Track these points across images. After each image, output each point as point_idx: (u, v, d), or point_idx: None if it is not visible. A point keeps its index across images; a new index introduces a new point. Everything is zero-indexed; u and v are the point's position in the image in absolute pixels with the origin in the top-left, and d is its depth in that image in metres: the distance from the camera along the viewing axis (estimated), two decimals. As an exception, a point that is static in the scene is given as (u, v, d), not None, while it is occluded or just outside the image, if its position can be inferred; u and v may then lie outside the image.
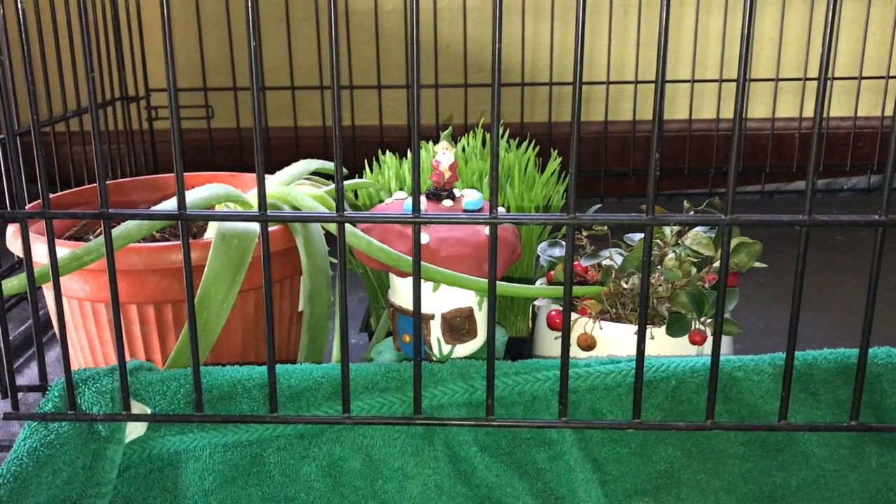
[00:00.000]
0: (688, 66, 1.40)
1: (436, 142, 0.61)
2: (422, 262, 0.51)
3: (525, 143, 0.81)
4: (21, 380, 0.82)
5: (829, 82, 1.38)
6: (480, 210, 0.59)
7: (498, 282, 0.58)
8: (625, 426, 0.53)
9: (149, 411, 0.54)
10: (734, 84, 1.24)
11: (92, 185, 0.78)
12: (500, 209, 0.70)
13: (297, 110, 1.41)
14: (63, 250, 0.56)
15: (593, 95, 1.44)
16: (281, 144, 1.41)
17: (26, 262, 0.50)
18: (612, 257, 0.67)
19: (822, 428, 0.53)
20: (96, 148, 0.47)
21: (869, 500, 0.54)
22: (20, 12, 0.47)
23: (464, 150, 0.80)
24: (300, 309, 0.71)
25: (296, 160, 0.75)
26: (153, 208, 0.59)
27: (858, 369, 0.50)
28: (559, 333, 0.66)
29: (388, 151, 0.82)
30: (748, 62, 0.43)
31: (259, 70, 0.45)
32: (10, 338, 0.90)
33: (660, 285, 0.65)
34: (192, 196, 0.62)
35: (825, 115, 1.41)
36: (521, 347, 0.74)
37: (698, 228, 0.66)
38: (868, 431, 0.54)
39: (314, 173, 0.77)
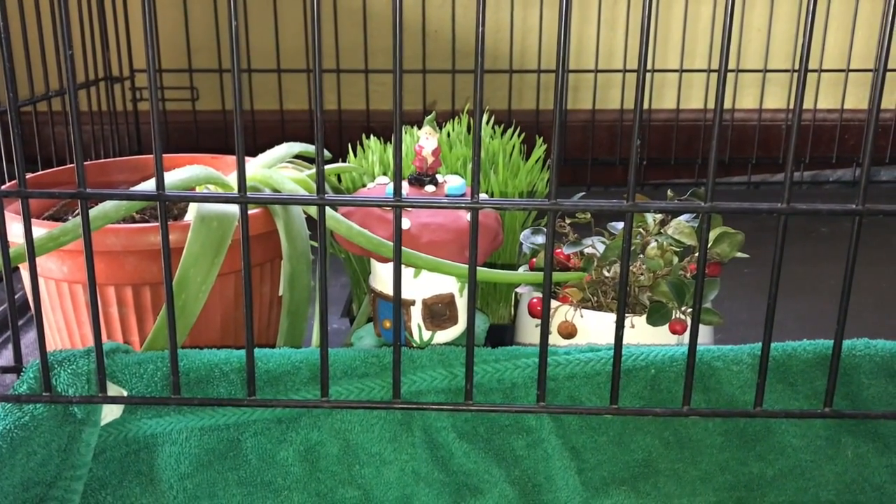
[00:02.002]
0: (676, 55, 1.40)
1: (422, 127, 0.61)
2: (403, 248, 0.51)
3: (511, 130, 0.81)
4: (-2, 361, 0.81)
5: (816, 74, 1.38)
6: (463, 196, 0.58)
7: (479, 268, 0.58)
8: (602, 411, 0.53)
9: (125, 394, 0.54)
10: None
11: (72, 165, 0.77)
12: (483, 195, 0.70)
13: (283, 93, 1.40)
14: (39, 230, 0.56)
15: (581, 84, 1.43)
16: (267, 127, 1.40)
17: (2, 242, 0.50)
18: (595, 245, 0.67)
19: (796, 414, 0.53)
20: (74, 127, 0.46)
21: (844, 490, 0.54)
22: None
23: (448, 135, 0.80)
24: (280, 293, 0.70)
25: (281, 143, 0.75)
26: (132, 189, 0.59)
27: (833, 356, 0.50)
28: (540, 321, 0.66)
29: (373, 136, 0.81)
30: (729, 47, 0.43)
31: (239, 50, 0.44)
32: (-12, 318, 0.89)
33: (641, 274, 0.65)
34: (171, 177, 0.61)
35: (812, 106, 1.41)
36: (502, 335, 0.74)
37: (681, 217, 0.66)
38: (841, 418, 0.54)
39: (298, 157, 0.76)
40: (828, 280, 1.04)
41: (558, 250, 0.67)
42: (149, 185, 0.62)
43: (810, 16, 0.42)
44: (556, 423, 0.55)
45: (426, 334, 0.60)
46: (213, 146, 1.40)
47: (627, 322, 0.62)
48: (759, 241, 0.70)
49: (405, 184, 0.60)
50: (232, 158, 0.79)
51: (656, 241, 0.65)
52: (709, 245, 0.64)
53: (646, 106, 1.43)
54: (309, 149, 0.76)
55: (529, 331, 0.69)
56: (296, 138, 0.80)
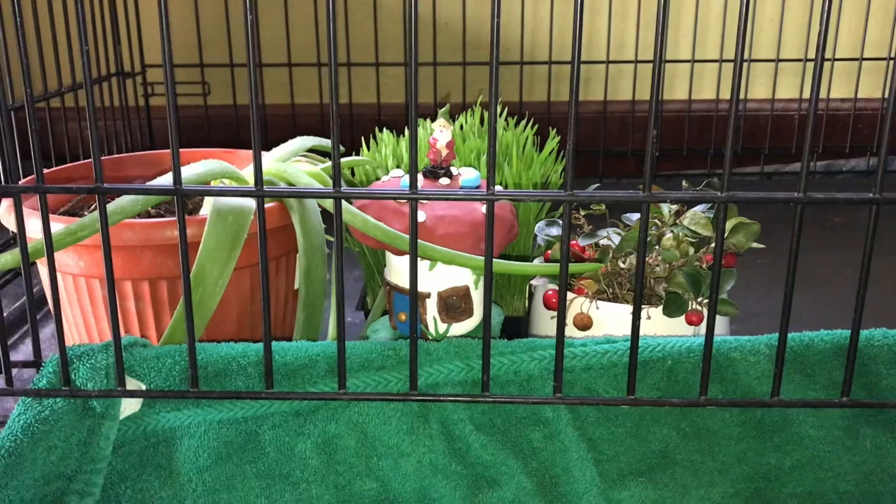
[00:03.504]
0: (688, 46, 1.40)
1: (433, 120, 0.61)
2: (418, 240, 0.51)
3: (524, 122, 0.80)
4: (15, 356, 0.82)
5: (829, 63, 1.37)
6: (477, 188, 0.58)
7: (494, 260, 0.58)
8: (619, 402, 0.53)
9: (143, 387, 0.54)
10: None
11: (87, 161, 0.78)
12: (498, 187, 0.70)
13: (294, 87, 1.40)
14: (57, 225, 0.56)
15: (592, 75, 1.43)
16: (278, 122, 1.40)
17: (20, 238, 0.50)
18: (610, 237, 0.66)
19: (814, 404, 0.53)
20: (91, 122, 0.46)
21: (863, 481, 0.54)
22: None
23: (461, 128, 0.79)
24: (296, 286, 0.70)
25: (293, 137, 0.75)
26: (148, 184, 0.59)
27: (850, 345, 0.50)
28: (556, 313, 0.66)
29: (385, 129, 0.81)
30: (744, 36, 0.42)
31: (255, 45, 0.44)
32: (5, 314, 0.90)
33: (657, 265, 0.64)
34: (187, 172, 0.61)
35: (826, 96, 1.41)
36: (517, 327, 0.74)
37: (697, 208, 0.65)
38: (859, 407, 0.54)
39: (311, 150, 0.76)
40: (842, 270, 1.04)
41: (573, 242, 0.67)
42: (165, 180, 0.63)
43: (827, 4, 0.42)
44: (573, 415, 0.55)
45: (442, 327, 0.60)
46: (224, 141, 1.40)
47: (643, 313, 0.62)
48: (771, 231, 0.70)
49: (420, 176, 0.60)
50: (245, 153, 0.79)
51: (672, 231, 0.64)
52: (724, 235, 0.64)
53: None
54: (322, 143, 0.76)
55: (544, 323, 0.69)
56: (307, 132, 0.80)
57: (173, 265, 0.62)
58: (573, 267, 0.65)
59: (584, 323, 0.64)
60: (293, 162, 0.72)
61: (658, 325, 0.62)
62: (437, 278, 0.58)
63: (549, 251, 0.69)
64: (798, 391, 0.55)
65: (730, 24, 1.38)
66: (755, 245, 0.64)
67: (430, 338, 0.60)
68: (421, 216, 0.56)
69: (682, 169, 1.45)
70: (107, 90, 1.21)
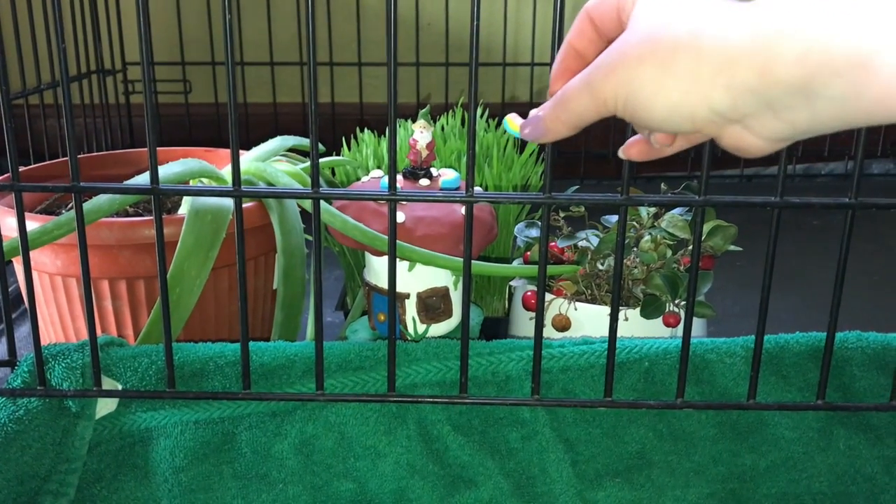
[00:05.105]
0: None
1: (415, 120, 0.61)
2: (397, 241, 0.51)
3: (504, 123, 0.80)
4: (-8, 355, 0.81)
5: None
6: (457, 189, 0.58)
7: (474, 261, 0.58)
8: (597, 404, 0.53)
9: (119, 387, 0.54)
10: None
11: (64, 159, 0.77)
12: (477, 188, 0.70)
13: (276, 86, 1.40)
14: (33, 224, 0.55)
15: (574, 77, 1.43)
16: (260, 121, 1.40)
17: (-5, 236, 0.50)
18: (589, 239, 0.67)
19: (789, 407, 0.53)
20: (67, 120, 0.46)
21: (836, 481, 0.55)
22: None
23: (443, 129, 0.80)
24: (274, 287, 0.70)
25: (274, 137, 0.75)
26: (126, 182, 0.58)
27: (826, 349, 0.50)
28: (534, 314, 0.66)
29: (366, 129, 0.81)
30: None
31: (234, 43, 0.44)
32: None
33: (635, 267, 0.65)
34: (165, 171, 0.61)
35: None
36: (496, 328, 0.74)
37: (675, 211, 0.66)
38: (833, 410, 0.54)
39: (291, 150, 0.76)
40: (819, 273, 1.04)
41: (552, 243, 0.67)
42: (143, 179, 0.62)
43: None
44: (551, 416, 0.55)
45: (421, 327, 0.60)
46: (205, 139, 1.39)
47: (621, 315, 0.62)
48: (750, 234, 0.70)
49: (399, 177, 0.60)
50: (225, 152, 0.79)
51: (650, 234, 0.65)
52: (702, 238, 0.64)
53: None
54: (302, 142, 0.76)
55: (524, 324, 0.69)
56: (289, 131, 0.80)
57: (151, 264, 0.62)
58: (552, 268, 0.65)
59: (563, 324, 0.64)
60: (273, 161, 0.72)
61: (636, 326, 0.63)
62: (416, 279, 0.58)
63: (529, 252, 0.70)
64: (773, 393, 0.55)
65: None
66: (732, 248, 0.65)
67: (409, 338, 0.60)
68: (400, 217, 0.56)
69: (663, 171, 1.45)
70: (87, 88, 1.20)
